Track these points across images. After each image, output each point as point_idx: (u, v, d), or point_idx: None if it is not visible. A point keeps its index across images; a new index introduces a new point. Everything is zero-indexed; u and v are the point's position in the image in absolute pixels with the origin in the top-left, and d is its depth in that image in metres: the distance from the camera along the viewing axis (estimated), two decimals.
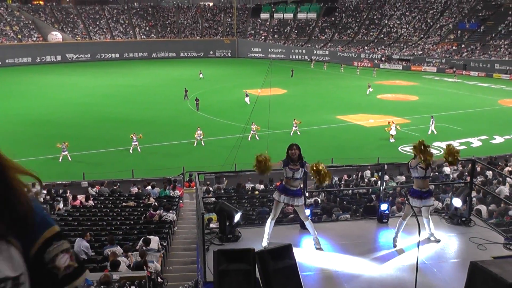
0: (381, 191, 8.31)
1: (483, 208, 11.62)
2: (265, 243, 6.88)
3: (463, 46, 68.00)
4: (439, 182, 15.35)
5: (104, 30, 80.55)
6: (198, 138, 27.93)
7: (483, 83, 54.09)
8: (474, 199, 10.54)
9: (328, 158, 22.68)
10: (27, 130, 31.55)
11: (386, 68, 67.82)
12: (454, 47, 68.67)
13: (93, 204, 16.66)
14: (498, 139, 29.56)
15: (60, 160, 25.18)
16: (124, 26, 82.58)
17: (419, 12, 78.93)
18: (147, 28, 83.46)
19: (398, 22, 79.30)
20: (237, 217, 7.13)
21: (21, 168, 1.60)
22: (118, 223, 14.23)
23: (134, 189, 18.95)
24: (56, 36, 73.65)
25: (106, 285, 8.02)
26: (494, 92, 48.24)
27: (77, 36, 77.33)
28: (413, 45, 72.78)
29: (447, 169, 18.43)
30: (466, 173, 16.08)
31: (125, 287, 8.55)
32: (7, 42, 70.76)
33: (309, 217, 7.14)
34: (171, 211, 15.03)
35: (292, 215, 11.55)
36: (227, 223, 7.15)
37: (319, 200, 14.32)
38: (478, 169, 16.93)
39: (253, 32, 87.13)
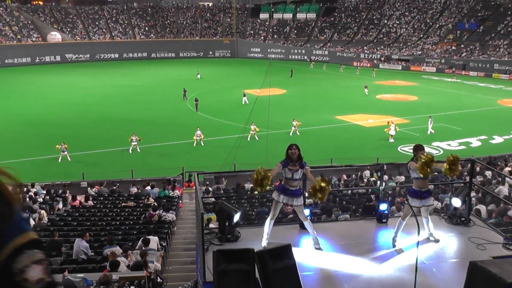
0: (381, 191, 8.31)
1: (482, 208, 11.63)
2: (264, 243, 6.87)
3: (462, 46, 68.04)
4: (439, 182, 15.35)
5: (104, 30, 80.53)
6: (197, 138, 27.92)
7: (483, 83, 54.14)
8: (473, 199, 10.54)
9: (328, 158, 22.72)
10: (27, 130, 31.54)
11: (386, 68, 67.86)
12: (453, 47, 68.71)
13: (93, 204, 16.65)
14: (498, 139, 29.58)
15: (59, 160, 25.17)
16: (123, 26, 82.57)
17: (419, 12, 78.97)
18: (147, 28, 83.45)
19: (398, 22, 79.34)
20: (236, 217, 7.12)
21: None
22: (118, 223, 14.22)
23: (134, 189, 18.94)
24: (55, 36, 73.63)
25: (105, 285, 8.01)
26: (493, 92, 48.27)
27: (77, 36, 77.31)
28: (413, 45, 72.81)
29: None
30: (466, 173, 16.09)
31: (125, 287, 8.55)
32: (6, 42, 70.75)
33: (309, 217, 7.13)
34: (170, 211, 15.03)
35: (291, 215, 11.55)
36: (227, 223, 7.14)
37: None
38: (478, 169, 16.95)
39: (252, 32, 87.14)
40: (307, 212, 7.22)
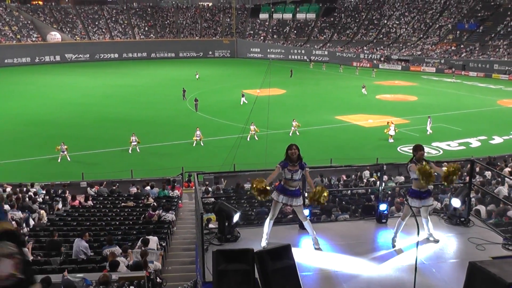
0: (380, 191, 8.31)
1: (482, 208, 11.62)
2: (264, 243, 6.88)
3: (462, 46, 68.06)
4: (438, 183, 15.34)
5: (103, 30, 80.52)
6: (197, 138, 27.92)
7: (482, 84, 54.16)
8: (473, 199, 10.54)
9: (327, 158, 22.74)
10: (26, 130, 31.54)
11: (385, 68, 67.89)
12: (453, 48, 68.73)
13: (92, 204, 16.64)
14: (497, 140, 29.59)
15: (59, 160, 25.16)
16: (123, 26, 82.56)
17: (418, 13, 79.00)
18: (146, 28, 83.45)
19: (397, 22, 79.37)
20: (236, 217, 7.12)
21: None
22: (117, 223, 14.21)
23: (133, 189, 18.93)
24: (55, 36, 73.62)
25: (105, 285, 8.01)
26: (493, 92, 48.30)
27: (76, 36, 77.29)
28: (412, 46, 72.84)
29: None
30: (465, 173, 16.09)
31: (124, 287, 8.54)
32: (6, 42, 70.72)
33: (308, 217, 7.13)
34: (170, 211, 15.02)
35: (291, 215, 11.55)
36: (226, 223, 7.14)
37: None
38: (477, 169, 16.96)
39: (252, 32, 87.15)
40: (306, 212, 7.22)
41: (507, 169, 16.61)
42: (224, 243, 7.04)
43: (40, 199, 16.76)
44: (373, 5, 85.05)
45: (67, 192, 18.20)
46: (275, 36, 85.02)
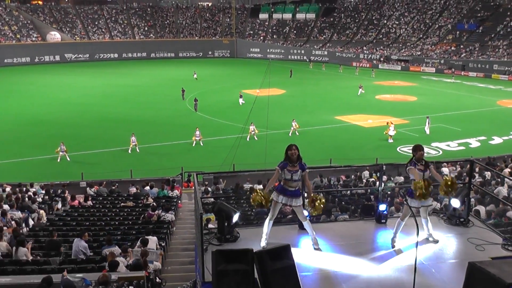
0: (380, 192, 8.31)
1: (481, 208, 11.62)
2: (263, 243, 6.88)
3: (461, 46, 68.08)
4: (438, 183, 15.33)
5: (103, 30, 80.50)
6: (196, 138, 27.92)
7: (482, 84, 54.18)
8: (472, 199, 10.54)
9: (327, 159, 22.74)
10: (26, 130, 31.52)
11: (385, 68, 67.90)
12: (452, 48, 68.75)
13: (92, 204, 16.63)
14: (497, 140, 29.60)
15: (58, 160, 25.15)
16: (123, 26, 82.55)
17: (418, 13, 79.02)
18: (146, 28, 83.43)
19: (397, 22, 79.38)
20: (235, 218, 7.12)
21: None
22: (117, 223, 14.20)
23: (133, 189, 18.92)
24: (54, 36, 73.58)
25: (104, 285, 8.00)
26: (492, 92, 48.32)
27: (76, 36, 77.26)
28: (412, 46, 72.86)
29: (445, 170, 18.45)
30: (465, 174, 16.10)
31: (123, 287, 8.54)
32: (5, 42, 70.67)
33: (308, 218, 7.13)
34: (169, 211, 15.02)
35: (290, 215, 11.55)
36: (226, 224, 7.14)
37: None
38: (477, 169, 16.96)
39: (251, 32, 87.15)
40: (306, 212, 7.21)
41: (506, 170, 16.61)
42: (223, 243, 7.04)
43: (39, 199, 16.75)
44: (373, 5, 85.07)
45: (67, 192, 18.19)
46: (274, 36, 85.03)
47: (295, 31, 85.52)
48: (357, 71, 63.21)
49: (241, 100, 39.48)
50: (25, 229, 13.26)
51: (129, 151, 26.74)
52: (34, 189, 17.90)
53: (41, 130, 31.60)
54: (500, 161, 19.52)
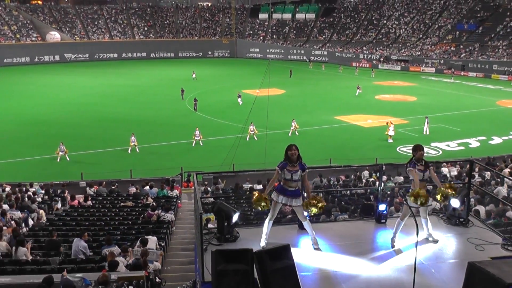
0: (379, 192, 8.31)
1: (481, 208, 11.62)
2: (263, 243, 6.88)
3: (461, 47, 68.10)
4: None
5: (103, 30, 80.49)
6: (196, 138, 27.93)
7: (482, 84, 54.21)
8: (472, 199, 10.54)
9: (327, 159, 22.74)
10: (26, 130, 31.51)
11: (385, 68, 67.91)
12: (452, 48, 68.76)
13: (91, 204, 16.62)
14: (496, 140, 29.62)
15: (58, 160, 25.15)
16: (122, 26, 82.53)
17: (418, 13, 79.03)
18: (146, 28, 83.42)
19: (397, 22, 79.39)
20: (235, 217, 7.12)
21: None
22: (116, 223, 14.19)
23: (132, 189, 18.91)
24: (54, 36, 73.55)
25: (104, 285, 8.00)
26: (492, 92, 48.34)
27: (76, 36, 77.23)
28: (412, 46, 72.87)
29: (445, 170, 18.46)
30: (464, 174, 16.11)
31: (123, 287, 8.53)
32: (5, 41, 70.63)
33: (307, 217, 7.13)
34: (169, 211, 15.01)
35: (290, 215, 11.55)
36: (225, 223, 7.14)
37: None
38: (476, 169, 16.96)
39: (251, 32, 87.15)
40: (306, 212, 7.21)
41: (506, 170, 16.61)
42: (223, 243, 7.04)
43: (39, 199, 16.74)
44: (373, 5, 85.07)
45: (66, 191, 18.18)
46: (274, 36, 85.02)
47: (294, 31, 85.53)
48: (356, 71, 63.22)
49: (239, 100, 39.52)
50: (24, 229, 13.25)
51: (129, 151, 26.74)
52: (33, 189, 17.89)
53: (41, 130, 31.59)
54: (500, 161, 19.52)
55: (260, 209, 6.90)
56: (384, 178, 13.55)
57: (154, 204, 15.60)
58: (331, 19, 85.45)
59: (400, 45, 73.97)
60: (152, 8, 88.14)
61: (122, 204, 16.56)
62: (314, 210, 6.74)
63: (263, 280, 4.89)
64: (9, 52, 68.80)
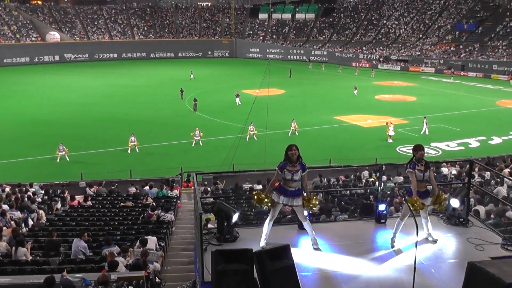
0: (379, 192, 8.31)
1: (481, 208, 11.62)
2: (263, 243, 6.88)
3: (461, 47, 68.11)
4: (437, 183, 15.31)
5: (102, 30, 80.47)
6: (196, 138, 27.93)
7: (481, 84, 54.21)
8: (472, 199, 10.54)
9: (326, 159, 22.74)
10: (25, 130, 31.51)
11: (384, 68, 67.91)
12: (452, 48, 68.77)
13: (91, 204, 16.62)
14: (496, 140, 29.62)
15: (58, 160, 25.14)
16: (122, 26, 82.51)
17: (417, 13, 79.04)
18: (145, 28, 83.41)
19: (396, 22, 79.40)
20: (235, 218, 7.12)
21: None
22: (116, 223, 14.19)
23: (132, 189, 18.90)
24: (54, 36, 73.54)
25: (104, 285, 8.00)
26: (492, 93, 48.35)
27: (75, 36, 77.22)
28: (411, 46, 72.88)
29: (444, 170, 18.46)
30: (464, 174, 16.11)
31: (123, 287, 8.53)
32: (5, 42, 70.61)
33: (307, 218, 7.13)
34: (169, 211, 15.01)
35: (290, 215, 11.54)
36: (225, 224, 7.14)
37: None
38: (476, 169, 16.96)
39: (251, 32, 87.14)
40: (306, 212, 7.21)
41: (506, 170, 16.62)
42: (223, 243, 7.04)
43: (39, 199, 16.73)
44: (372, 5, 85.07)
45: (66, 192, 18.17)
46: (274, 36, 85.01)
47: (294, 31, 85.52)
48: (356, 71, 63.23)
49: (237, 100, 39.53)
50: (24, 229, 13.24)
51: (129, 151, 26.74)
52: (33, 189, 17.88)
53: (41, 130, 31.59)
54: (500, 161, 19.53)
55: (265, 207, 6.94)
56: (384, 178, 13.57)
57: (154, 204, 15.59)
58: (331, 19, 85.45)
59: (400, 45, 73.98)
60: (152, 8, 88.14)
61: (122, 204, 16.55)
62: (314, 202, 6.90)
63: (263, 280, 4.89)
64: (9, 52, 68.80)
